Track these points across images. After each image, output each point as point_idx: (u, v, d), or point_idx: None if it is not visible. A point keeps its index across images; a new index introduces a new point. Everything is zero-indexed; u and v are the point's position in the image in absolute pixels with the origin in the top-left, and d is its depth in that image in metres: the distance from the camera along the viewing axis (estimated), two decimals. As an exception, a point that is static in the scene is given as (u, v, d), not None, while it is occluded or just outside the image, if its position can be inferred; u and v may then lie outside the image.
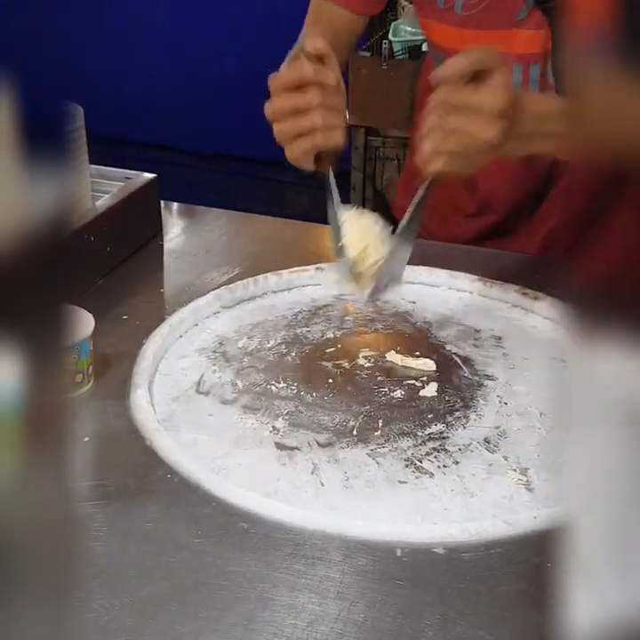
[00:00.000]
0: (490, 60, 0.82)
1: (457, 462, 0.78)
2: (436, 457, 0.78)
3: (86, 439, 0.77)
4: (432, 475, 0.76)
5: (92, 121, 1.01)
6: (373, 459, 0.78)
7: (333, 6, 1.13)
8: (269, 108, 0.87)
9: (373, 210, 0.92)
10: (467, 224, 1.23)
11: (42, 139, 0.30)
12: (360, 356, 0.93)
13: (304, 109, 0.84)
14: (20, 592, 0.34)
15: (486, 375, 0.90)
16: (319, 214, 0.95)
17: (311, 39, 0.87)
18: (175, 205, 1.22)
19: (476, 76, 0.82)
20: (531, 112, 0.86)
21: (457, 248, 1.14)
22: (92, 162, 1.06)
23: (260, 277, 1.04)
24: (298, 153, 0.86)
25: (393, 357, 0.92)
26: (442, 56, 1.10)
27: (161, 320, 0.95)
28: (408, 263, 0.95)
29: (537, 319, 1.00)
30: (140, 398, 0.82)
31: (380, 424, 0.83)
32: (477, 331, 0.98)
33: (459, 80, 0.81)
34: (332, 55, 0.88)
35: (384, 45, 2.16)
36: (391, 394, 0.87)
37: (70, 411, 0.39)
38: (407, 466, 0.77)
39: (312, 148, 0.86)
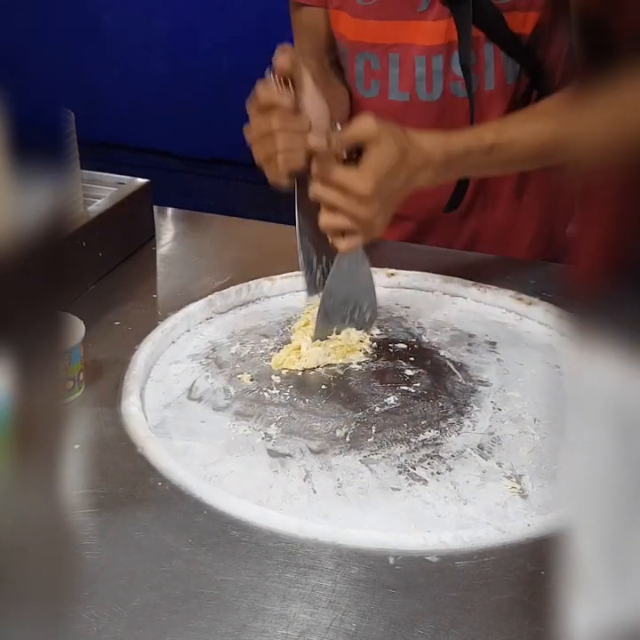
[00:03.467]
0: (365, 135, 0.85)
1: (450, 469, 0.77)
2: (429, 464, 0.78)
3: (77, 446, 0.77)
4: (425, 482, 0.76)
5: (86, 126, 1.01)
6: (366, 465, 0.78)
7: (308, 9, 1.13)
8: (246, 132, 0.89)
9: None
10: (388, 233, 1.25)
11: (34, 144, 0.30)
12: (353, 362, 0.92)
13: (267, 133, 0.86)
14: (10, 601, 0.33)
15: (480, 381, 0.90)
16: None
17: (277, 57, 0.88)
18: (169, 211, 1.21)
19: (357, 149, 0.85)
20: (434, 159, 0.88)
21: (451, 253, 1.14)
22: (86, 167, 1.05)
23: (253, 283, 1.03)
24: (270, 176, 0.89)
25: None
26: (348, 49, 1.10)
27: (153, 326, 0.94)
28: (409, 269, 0.97)
29: (531, 324, 1.00)
30: (131, 405, 0.81)
31: (374, 430, 0.82)
32: (471, 336, 0.98)
33: (332, 157, 0.85)
34: (299, 70, 0.89)
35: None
36: (384, 400, 0.86)
37: (61, 418, 0.39)
38: (400, 473, 0.77)
39: (280, 171, 0.88)
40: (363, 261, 0.94)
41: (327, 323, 0.94)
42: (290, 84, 0.88)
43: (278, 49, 0.91)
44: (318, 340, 0.93)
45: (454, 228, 1.19)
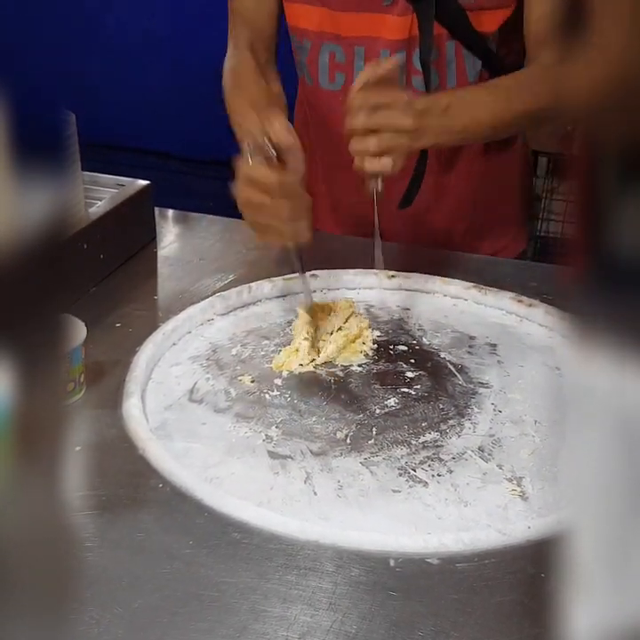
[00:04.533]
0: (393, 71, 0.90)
1: (451, 471, 0.77)
2: (429, 466, 0.78)
3: (78, 448, 0.77)
4: (426, 484, 0.76)
5: (87, 128, 1.01)
6: (367, 467, 0.78)
7: (252, 1, 1.13)
8: (234, 194, 0.91)
9: None
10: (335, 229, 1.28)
11: (35, 146, 0.30)
12: (354, 364, 0.92)
13: (260, 205, 0.89)
14: (11, 602, 0.33)
15: (481, 383, 0.90)
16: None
17: (273, 122, 0.89)
18: (170, 212, 1.21)
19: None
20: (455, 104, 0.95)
21: (451, 255, 1.14)
22: (87, 169, 1.05)
23: (254, 285, 1.03)
24: (264, 239, 0.94)
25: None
26: (311, 43, 1.10)
27: (154, 328, 0.94)
28: (409, 271, 0.98)
29: (532, 326, 1.00)
30: (132, 407, 0.82)
31: (374, 432, 0.82)
32: (472, 338, 0.98)
33: (372, 85, 0.89)
34: (293, 137, 0.89)
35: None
36: (385, 402, 0.86)
37: (62, 420, 0.39)
38: (401, 475, 0.77)
39: (286, 242, 0.92)
40: None
41: None
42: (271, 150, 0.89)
43: (272, 115, 0.90)
44: (320, 337, 0.93)
45: (409, 227, 1.20)
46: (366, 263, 1.08)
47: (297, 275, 0.98)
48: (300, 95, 1.23)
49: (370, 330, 0.96)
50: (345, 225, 1.26)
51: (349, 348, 0.93)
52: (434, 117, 0.94)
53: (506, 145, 1.19)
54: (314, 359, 0.91)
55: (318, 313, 0.95)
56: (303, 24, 1.11)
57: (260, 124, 0.90)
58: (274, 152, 0.87)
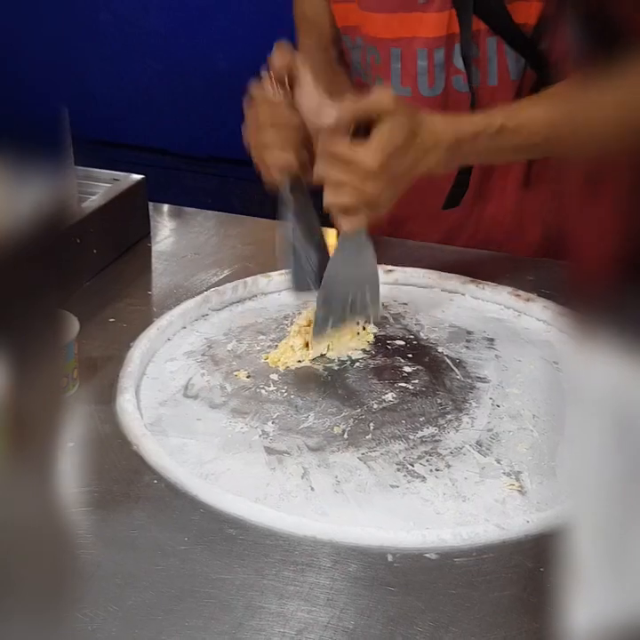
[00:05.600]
0: (381, 106, 0.83)
1: (449, 466, 0.77)
2: (428, 460, 0.77)
3: (71, 444, 0.76)
4: (424, 479, 0.75)
5: (83, 124, 1.00)
6: (364, 463, 0.77)
7: (310, 3, 1.12)
8: (244, 130, 0.89)
9: None
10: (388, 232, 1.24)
11: (28, 140, 0.29)
12: (351, 358, 0.92)
13: (259, 126, 0.87)
14: (4, 599, 0.32)
15: (479, 377, 0.89)
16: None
17: (273, 56, 0.88)
18: (164, 207, 1.20)
19: (367, 123, 0.83)
20: (446, 138, 0.86)
21: (449, 250, 1.13)
22: (84, 165, 1.04)
23: (250, 279, 1.03)
24: (265, 177, 0.89)
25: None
26: (357, 43, 1.09)
27: (149, 323, 0.93)
28: (407, 265, 0.96)
29: (529, 321, 0.99)
30: (126, 402, 0.81)
31: (372, 428, 0.81)
32: (469, 332, 0.97)
33: (340, 130, 0.83)
34: (296, 68, 0.88)
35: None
36: (382, 397, 0.86)
37: (56, 415, 0.38)
38: (399, 470, 0.76)
39: (271, 168, 0.88)
40: (366, 246, 0.91)
41: (327, 311, 0.91)
42: (286, 83, 0.88)
43: (275, 46, 0.90)
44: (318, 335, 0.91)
45: (455, 226, 1.18)
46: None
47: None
48: None
49: (370, 325, 0.95)
50: None
51: (347, 341, 0.92)
52: (482, 143, 0.88)
53: None
54: (310, 353, 0.90)
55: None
56: (351, 24, 1.10)
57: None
58: (275, 80, 0.87)
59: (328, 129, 0.83)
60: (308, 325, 0.92)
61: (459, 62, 1.04)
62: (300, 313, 0.97)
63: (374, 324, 0.95)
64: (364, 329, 0.94)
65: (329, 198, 0.84)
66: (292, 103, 0.88)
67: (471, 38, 1.01)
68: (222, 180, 2.55)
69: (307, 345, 0.90)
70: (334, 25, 1.12)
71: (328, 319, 0.91)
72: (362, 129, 0.83)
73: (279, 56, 0.88)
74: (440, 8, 1.02)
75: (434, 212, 1.12)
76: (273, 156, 0.87)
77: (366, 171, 0.81)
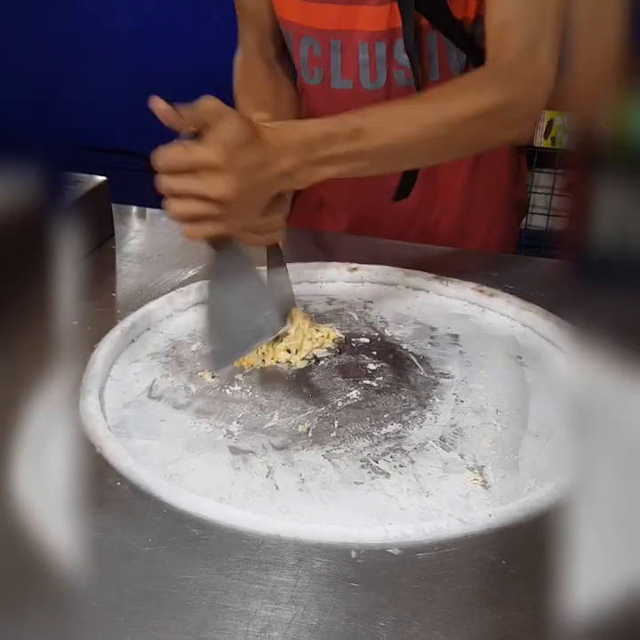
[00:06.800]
0: (207, 112, 0.76)
1: (413, 462, 0.77)
2: (392, 457, 0.78)
3: (33, 447, 0.75)
4: (388, 475, 0.75)
5: (48, 126, 0.99)
6: (329, 460, 0.77)
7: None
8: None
9: None
10: (320, 222, 1.24)
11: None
12: (316, 357, 0.92)
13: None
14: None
15: (442, 373, 0.90)
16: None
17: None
18: (128, 208, 1.20)
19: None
20: (298, 142, 0.80)
21: (413, 247, 1.14)
22: (55, 168, 1.03)
23: (214, 280, 1.02)
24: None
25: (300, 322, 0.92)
26: (292, 34, 1.09)
27: (112, 325, 0.93)
28: (371, 263, 0.95)
29: (493, 316, 1.00)
30: (89, 405, 0.80)
31: (336, 425, 0.82)
32: (433, 329, 0.98)
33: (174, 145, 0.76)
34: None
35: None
36: (347, 395, 0.86)
37: (17, 418, 0.38)
38: (363, 466, 0.76)
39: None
40: (244, 260, 0.82)
41: (223, 344, 0.83)
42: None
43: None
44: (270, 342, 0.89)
45: (402, 222, 1.19)
46: (328, 256, 1.08)
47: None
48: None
49: (330, 328, 0.95)
50: (312, 219, 1.26)
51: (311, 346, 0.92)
52: (337, 145, 0.81)
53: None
54: (272, 355, 0.90)
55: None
56: (286, 15, 1.09)
57: None
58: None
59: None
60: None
61: (400, 57, 1.04)
62: None
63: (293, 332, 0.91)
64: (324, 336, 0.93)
65: (172, 208, 0.76)
66: None
67: (413, 33, 1.00)
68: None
69: (271, 345, 0.90)
70: (275, 19, 1.11)
71: (227, 352, 0.84)
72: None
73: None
74: (380, 2, 1.02)
75: (384, 206, 1.13)
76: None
77: (208, 166, 0.74)
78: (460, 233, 1.20)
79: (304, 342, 0.91)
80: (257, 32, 1.15)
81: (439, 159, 1.01)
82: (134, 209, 1.20)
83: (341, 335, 0.95)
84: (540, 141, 2.29)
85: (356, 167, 0.84)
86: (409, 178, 1.06)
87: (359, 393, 0.86)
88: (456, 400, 0.86)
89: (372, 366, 0.90)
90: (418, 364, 0.91)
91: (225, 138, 0.75)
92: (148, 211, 1.21)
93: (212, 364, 0.86)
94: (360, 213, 1.21)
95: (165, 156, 0.77)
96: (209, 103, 0.76)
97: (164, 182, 0.77)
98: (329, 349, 0.93)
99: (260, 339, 0.84)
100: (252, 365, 0.90)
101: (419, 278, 1.05)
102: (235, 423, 0.82)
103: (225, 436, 0.80)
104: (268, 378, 0.89)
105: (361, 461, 0.77)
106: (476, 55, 1.05)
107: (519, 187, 1.26)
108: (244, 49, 1.17)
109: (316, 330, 0.93)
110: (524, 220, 2.36)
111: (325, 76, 1.09)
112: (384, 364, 0.91)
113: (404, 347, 0.94)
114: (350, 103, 0.99)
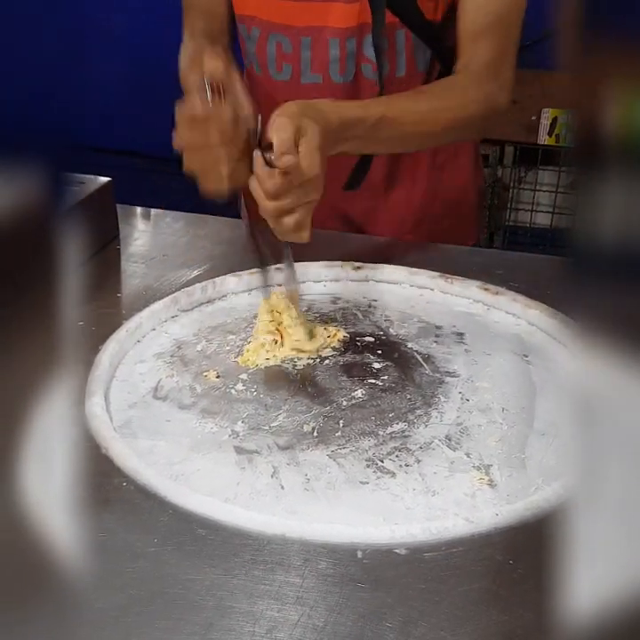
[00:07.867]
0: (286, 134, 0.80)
1: (419, 461, 0.77)
2: (397, 456, 0.77)
3: (40, 448, 0.75)
4: (394, 474, 0.75)
5: (51, 127, 0.99)
6: (334, 460, 0.77)
7: None
8: (175, 140, 0.85)
9: None
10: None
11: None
12: (320, 356, 0.92)
13: (204, 146, 0.83)
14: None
15: (448, 372, 0.89)
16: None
17: (208, 64, 0.85)
18: (133, 209, 1.20)
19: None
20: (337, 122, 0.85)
21: (417, 245, 1.13)
22: (59, 170, 1.03)
23: (219, 280, 1.02)
24: (208, 186, 0.85)
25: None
26: (259, 30, 1.09)
27: (118, 325, 0.93)
28: (375, 262, 0.96)
29: (499, 314, 1.00)
30: (95, 405, 0.80)
31: (341, 425, 0.81)
32: (438, 327, 0.97)
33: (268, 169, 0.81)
34: (232, 78, 0.85)
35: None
36: (352, 394, 0.86)
37: (23, 418, 0.38)
38: (368, 466, 0.76)
39: (225, 184, 0.85)
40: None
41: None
42: (222, 91, 0.85)
43: (207, 55, 0.86)
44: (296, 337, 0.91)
45: (366, 213, 1.20)
46: (332, 255, 1.08)
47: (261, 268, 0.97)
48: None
49: (336, 327, 0.95)
50: None
51: (317, 343, 0.92)
52: (360, 128, 0.89)
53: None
54: (277, 353, 0.90)
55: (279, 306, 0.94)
56: (251, 12, 1.09)
57: (201, 73, 0.85)
58: (210, 94, 0.84)
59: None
60: (272, 320, 0.91)
61: (368, 51, 1.06)
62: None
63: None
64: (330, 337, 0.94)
65: (286, 223, 0.82)
66: (228, 114, 0.84)
67: (383, 29, 1.03)
68: (192, 180, 2.55)
69: (275, 342, 0.90)
70: (230, 13, 1.12)
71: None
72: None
73: (215, 65, 0.85)
74: None
75: (339, 196, 1.13)
76: (229, 175, 0.84)
77: (310, 178, 0.80)
78: (423, 223, 1.21)
79: (316, 328, 0.92)
80: (206, 25, 1.14)
81: (422, 148, 1.12)
82: (139, 209, 1.20)
83: (346, 334, 0.95)
84: (545, 139, 2.28)
85: (360, 146, 0.94)
86: (361, 170, 1.08)
87: (364, 392, 0.86)
88: (462, 399, 0.85)
89: (376, 365, 0.90)
90: (423, 363, 0.91)
91: (315, 146, 0.80)
92: (153, 211, 1.21)
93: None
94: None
95: (273, 187, 0.80)
96: (284, 125, 0.80)
97: (270, 208, 0.81)
98: (334, 348, 0.93)
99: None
100: (257, 365, 0.90)
101: (423, 276, 1.05)
102: (240, 423, 0.82)
103: (230, 435, 0.80)
104: (273, 377, 0.89)
105: (366, 461, 0.77)
106: (441, 52, 1.09)
107: (478, 174, 1.29)
108: (191, 38, 1.15)
109: (324, 328, 0.93)
110: (529, 218, 2.36)
111: (295, 72, 1.10)
112: (389, 363, 0.91)
113: (409, 345, 0.94)
114: (319, 96, 0.99)
